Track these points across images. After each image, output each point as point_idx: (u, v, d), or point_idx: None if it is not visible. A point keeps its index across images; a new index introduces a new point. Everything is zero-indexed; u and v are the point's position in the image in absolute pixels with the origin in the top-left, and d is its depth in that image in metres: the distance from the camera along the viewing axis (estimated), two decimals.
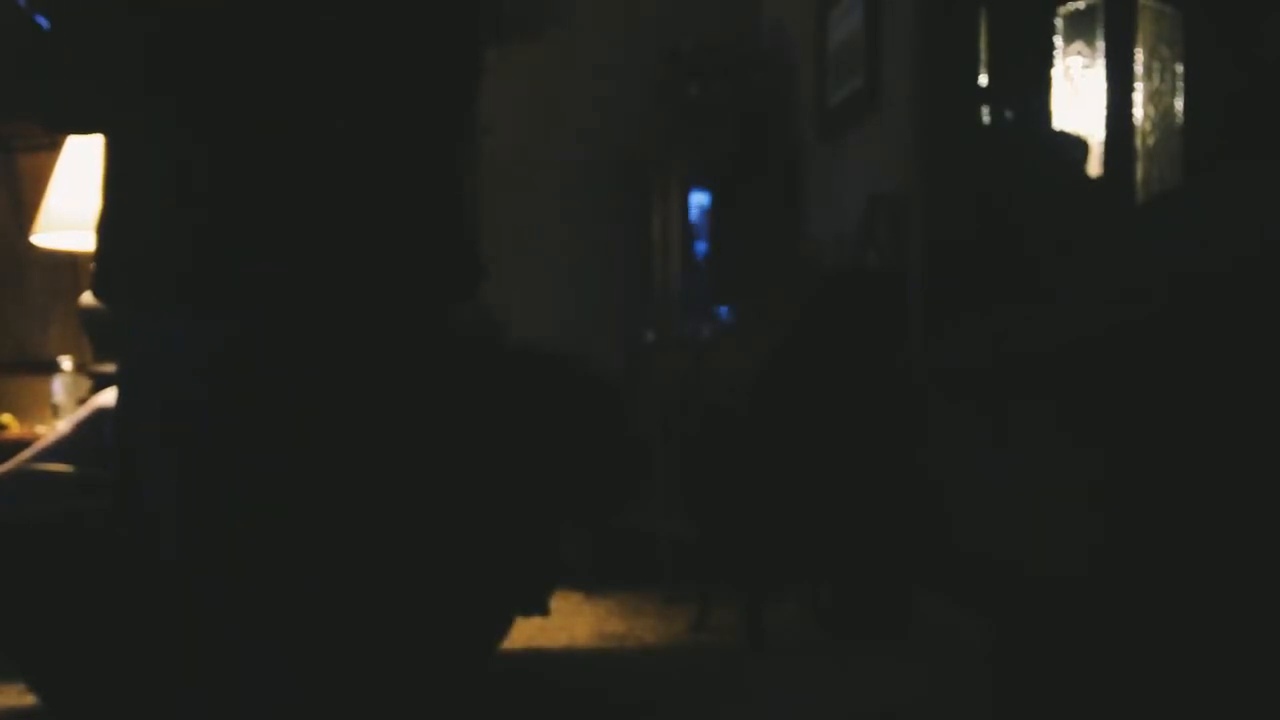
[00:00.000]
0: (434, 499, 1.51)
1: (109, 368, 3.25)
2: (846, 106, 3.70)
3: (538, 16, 1.95)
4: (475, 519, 1.64)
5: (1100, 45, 2.55)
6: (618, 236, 4.56)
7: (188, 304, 1.39)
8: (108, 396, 2.34)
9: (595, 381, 1.81)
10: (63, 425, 2.39)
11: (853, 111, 3.65)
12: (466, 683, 1.76)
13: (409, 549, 1.48)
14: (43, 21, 1.43)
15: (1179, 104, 2.35)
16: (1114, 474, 2.00)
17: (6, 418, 3.83)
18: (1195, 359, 1.77)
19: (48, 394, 3.77)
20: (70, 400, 3.65)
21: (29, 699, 2.39)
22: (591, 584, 3.91)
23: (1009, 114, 2.91)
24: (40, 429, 3.73)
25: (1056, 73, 2.63)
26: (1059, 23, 2.62)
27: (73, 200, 3.37)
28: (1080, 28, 2.60)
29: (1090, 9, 2.58)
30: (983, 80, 2.94)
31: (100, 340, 3.40)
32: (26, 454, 2.30)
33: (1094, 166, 2.54)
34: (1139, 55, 2.39)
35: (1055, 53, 2.62)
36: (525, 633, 3.05)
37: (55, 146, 3.62)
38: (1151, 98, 2.38)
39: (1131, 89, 2.39)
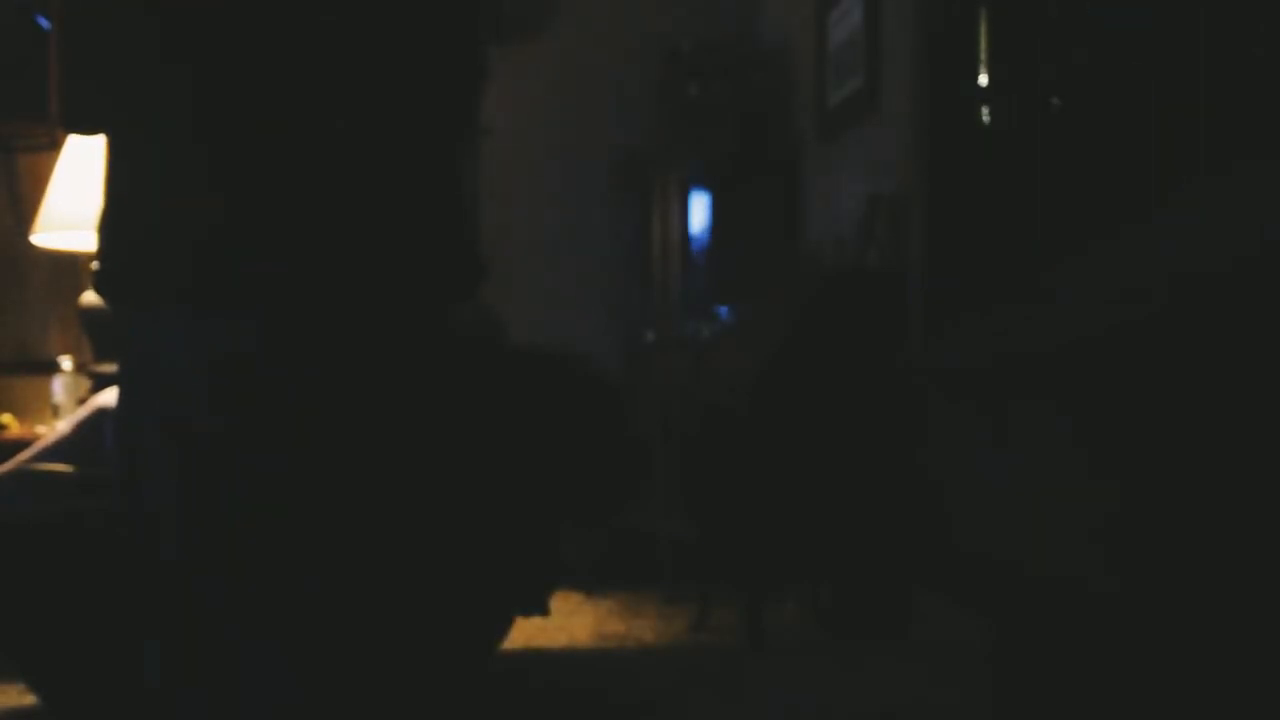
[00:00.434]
0: (434, 499, 1.51)
1: (109, 368, 3.25)
2: (846, 106, 3.70)
3: (538, 16, 1.95)
4: (475, 519, 1.64)
5: None
6: (618, 237, 4.56)
7: (188, 304, 1.39)
8: (108, 396, 2.33)
9: (596, 382, 1.81)
10: (63, 425, 2.39)
11: (852, 111, 3.65)
12: (466, 683, 1.76)
13: (409, 549, 1.48)
14: (43, 22, 1.43)
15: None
16: (1113, 473, 2.00)
17: (6, 418, 3.83)
18: (1195, 359, 1.77)
19: (48, 394, 3.77)
20: (70, 400, 3.65)
21: (29, 699, 2.39)
22: (591, 584, 3.91)
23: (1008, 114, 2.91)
24: (40, 429, 3.73)
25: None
26: None
27: (73, 200, 3.37)
28: None
29: None
30: (983, 80, 2.94)
31: (100, 340, 3.40)
32: (26, 454, 2.30)
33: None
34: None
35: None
36: (525, 633, 3.05)
37: (55, 146, 3.63)
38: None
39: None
